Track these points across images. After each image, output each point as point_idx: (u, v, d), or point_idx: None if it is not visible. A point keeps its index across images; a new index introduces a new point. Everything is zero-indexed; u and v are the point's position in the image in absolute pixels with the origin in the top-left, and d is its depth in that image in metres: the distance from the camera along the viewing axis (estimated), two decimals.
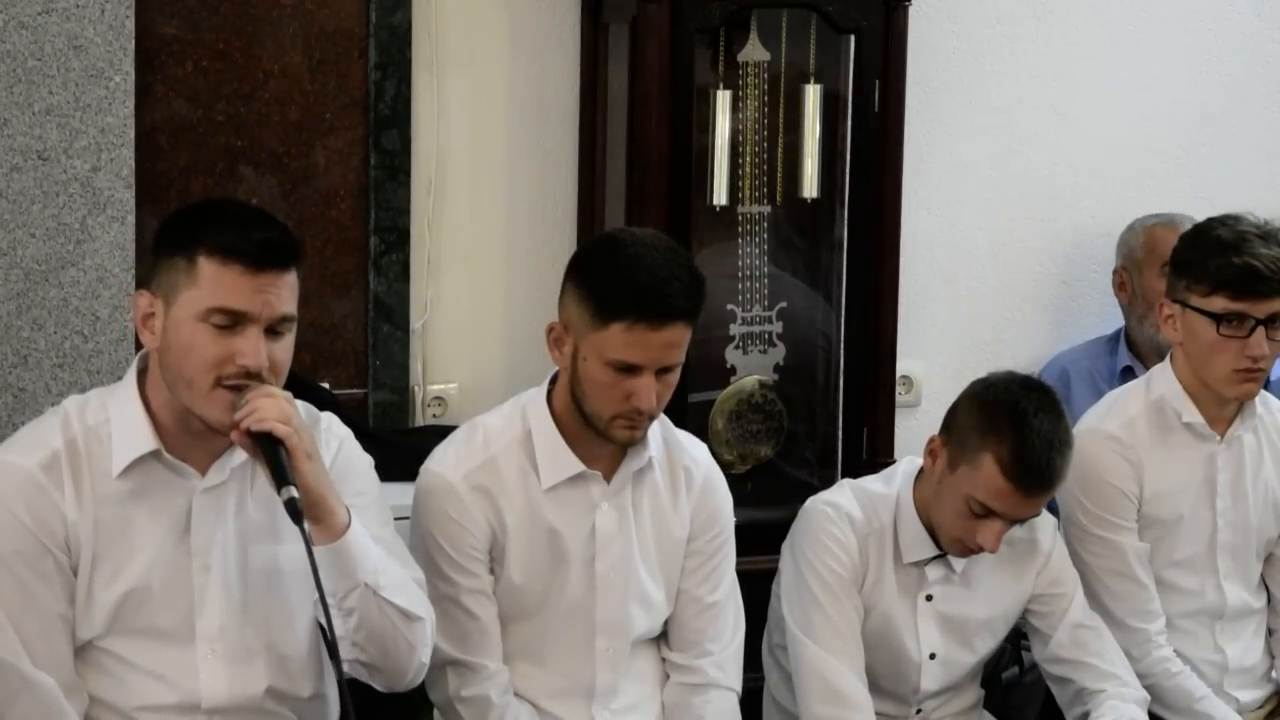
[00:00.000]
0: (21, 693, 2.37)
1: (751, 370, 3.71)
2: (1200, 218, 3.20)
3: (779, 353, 3.73)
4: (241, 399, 2.34)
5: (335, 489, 2.41)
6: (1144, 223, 3.95)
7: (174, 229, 2.42)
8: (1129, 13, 4.13)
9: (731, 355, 3.69)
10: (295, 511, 2.30)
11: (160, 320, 2.38)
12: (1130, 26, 4.13)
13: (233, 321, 2.34)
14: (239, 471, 2.46)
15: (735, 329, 3.68)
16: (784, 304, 3.72)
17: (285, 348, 2.41)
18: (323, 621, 2.40)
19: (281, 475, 2.32)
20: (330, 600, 2.38)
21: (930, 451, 2.92)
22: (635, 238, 2.74)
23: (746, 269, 3.69)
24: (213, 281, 2.34)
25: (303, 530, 2.31)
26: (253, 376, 2.35)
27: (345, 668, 2.49)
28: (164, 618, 2.44)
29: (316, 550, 2.35)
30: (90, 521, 2.41)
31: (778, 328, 3.72)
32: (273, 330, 2.37)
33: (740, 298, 3.68)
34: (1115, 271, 3.99)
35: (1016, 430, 2.79)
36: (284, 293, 2.38)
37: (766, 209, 3.70)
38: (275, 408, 2.33)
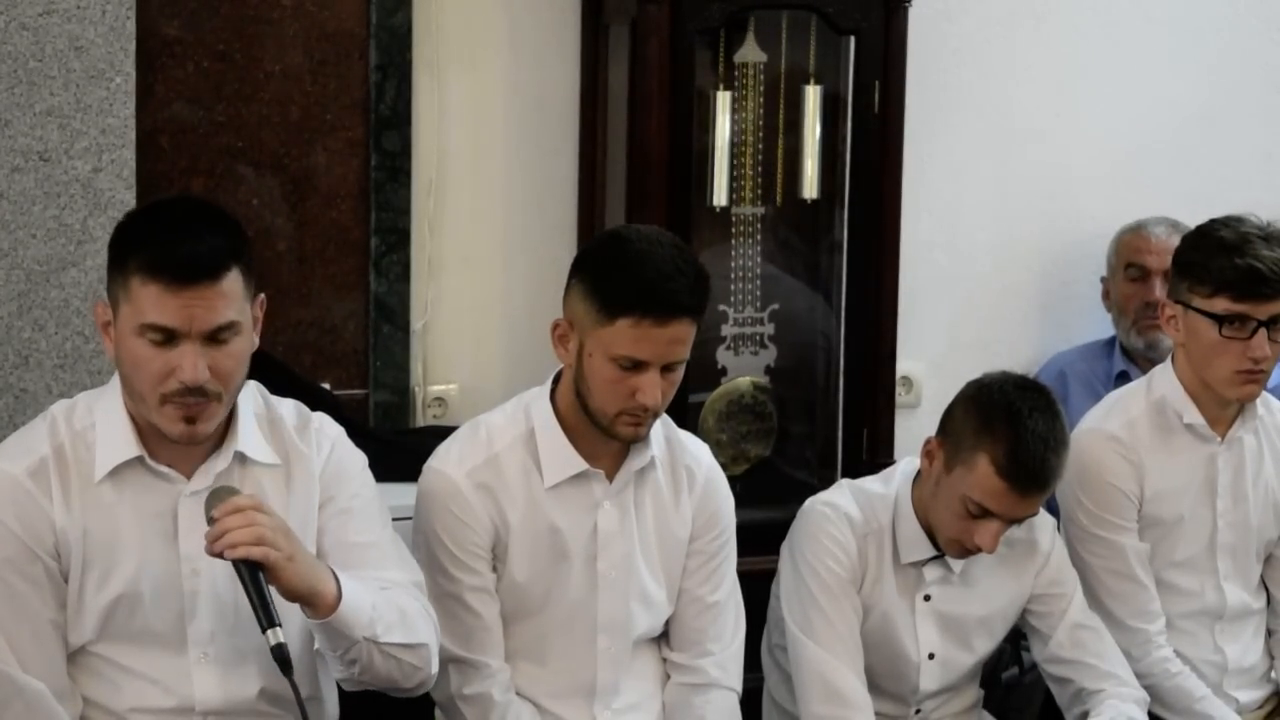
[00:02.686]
0: (13, 698, 2.37)
1: (742, 371, 3.71)
2: (1198, 219, 3.20)
3: (770, 354, 3.73)
4: (210, 511, 2.31)
5: (322, 568, 2.39)
6: (1121, 231, 3.97)
7: (113, 243, 2.41)
8: (1129, 13, 4.13)
9: (723, 356, 3.70)
10: (283, 660, 2.28)
11: (114, 330, 2.39)
12: (1130, 27, 4.13)
13: (167, 337, 2.33)
14: (224, 477, 2.45)
15: (726, 329, 3.69)
16: (776, 305, 3.72)
17: (230, 354, 2.37)
18: (317, 647, 2.43)
19: (266, 615, 2.29)
20: (331, 655, 2.41)
21: (927, 453, 2.92)
22: (641, 234, 2.75)
23: (744, 269, 3.69)
24: (140, 298, 2.33)
25: (291, 680, 2.30)
26: (194, 391, 2.33)
27: (353, 685, 2.51)
28: (155, 622, 2.44)
29: (311, 623, 2.38)
30: (79, 527, 2.41)
31: (769, 329, 3.73)
32: (213, 339, 2.35)
33: (735, 298, 3.68)
34: (1101, 280, 4.01)
35: (1011, 430, 2.79)
36: (216, 303, 2.34)
37: (765, 210, 3.70)
38: (246, 529, 2.29)
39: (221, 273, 2.35)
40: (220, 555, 2.30)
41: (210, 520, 2.31)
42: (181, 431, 2.36)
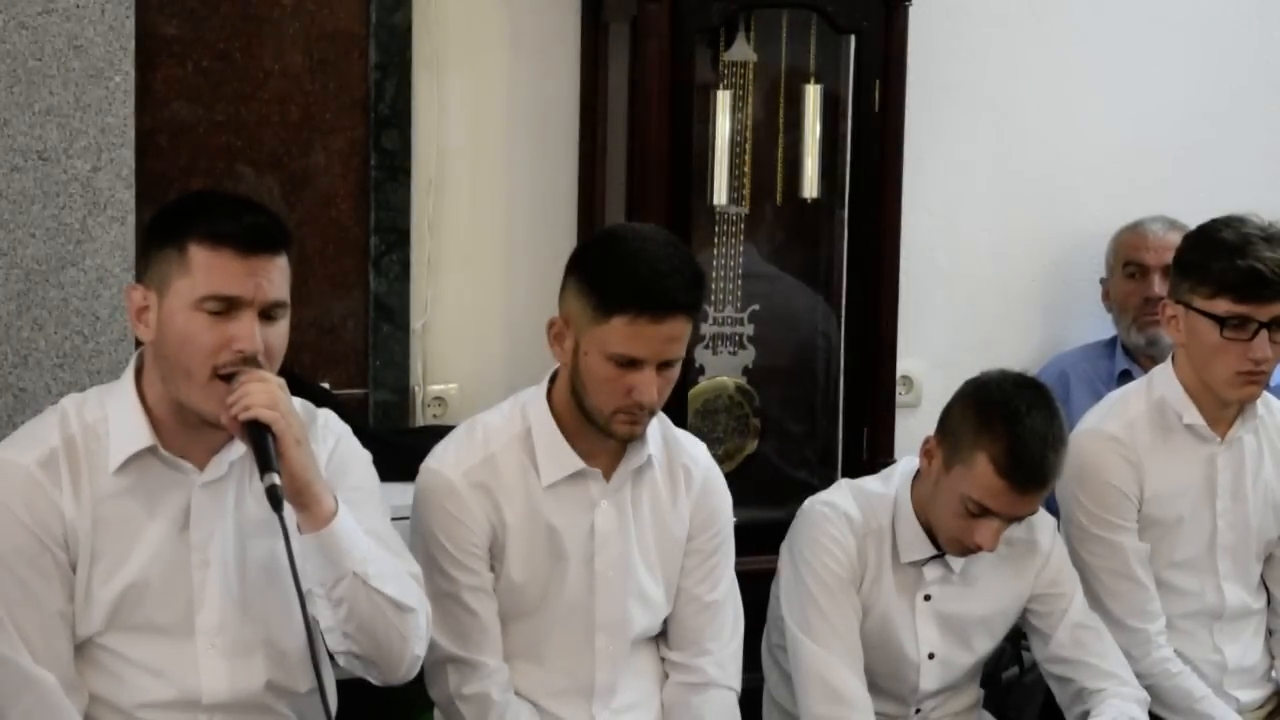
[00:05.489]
0: (23, 690, 2.38)
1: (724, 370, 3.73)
2: (1198, 219, 3.20)
3: (748, 354, 3.75)
4: (234, 384, 2.35)
5: (323, 477, 2.41)
6: (1118, 231, 3.99)
7: (164, 221, 2.43)
8: (1129, 13, 4.13)
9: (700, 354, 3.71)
10: (275, 499, 2.30)
11: (154, 313, 2.39)
12: (1130, 26, 4.13)
13: (227, 307, 2.35)
14: (237, 466, 2.46)
15: (707, 329, 3.70)
16: (756, 306, 3.72)
17: (279, 333, 2.41)
18: (314, 613, 2.40)
19: (265, 462, 2.32)
20: (320, 590, 2.39)
21: (926, 452, 2.92)
22: (636, 232, 2.75)
23: (744, 269, 3.69)
24: (205, 268, 2.35)
25: (280, 519, 2.31)
26: (249, 362, 2.36)
27: (340, 661, 2.50)
28: (163, 613, 2.45)
29: (303, 538, 2.36)
30: (88, 518, 2.41)
31: (749, 329, 3.73)
32: (266, 315, 2.38)
33: (728, 296, 3.69)
34: (1100, 282, 4.01)
35: (1010, 428, 2.79)
36: (275, 277, 2.39)
37: (765, 209, 3.70)
38: (264, 393, 2.33)
39: (282, 247, 2.41)
40: (235, 420, 2.33)
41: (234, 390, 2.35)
42: (224, 410, 2.35)
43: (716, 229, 3.67)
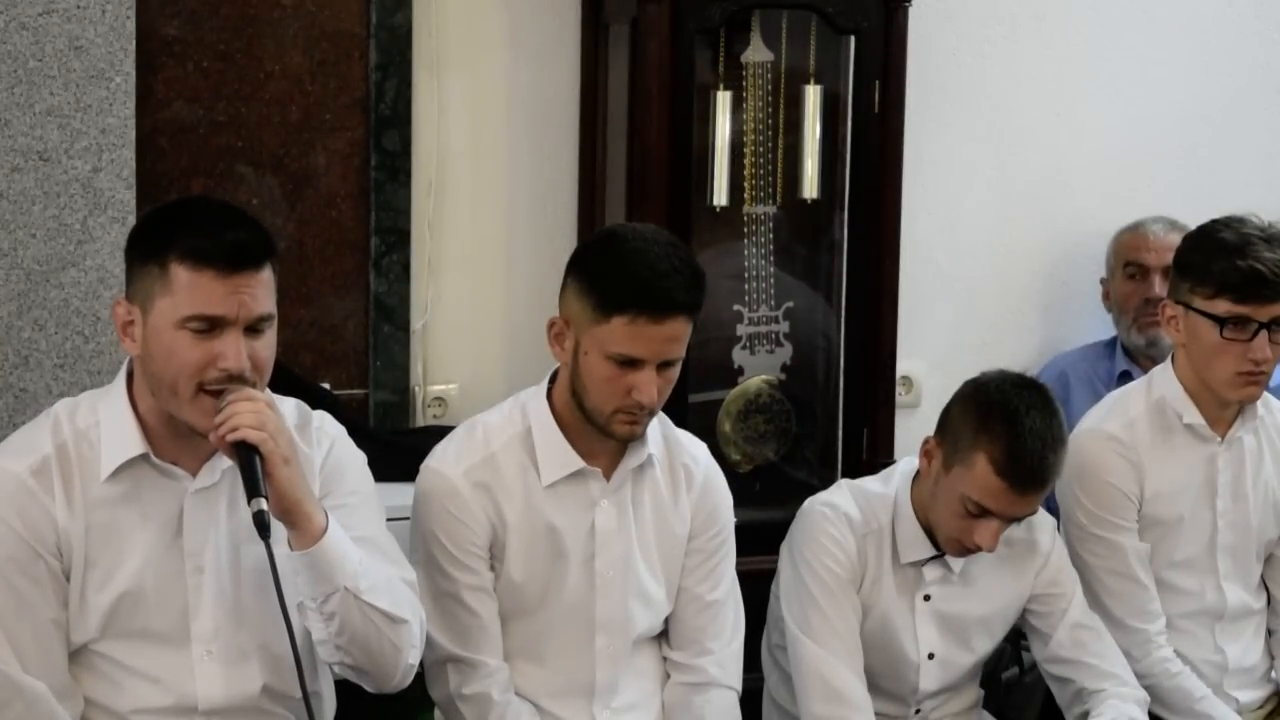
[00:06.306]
0: (13, 699, 2.37)
1: (759, 370, 3.71)
2: (1198, 219, 3.20)
3: (785, 352, 3.73)
4: (221, 403, 2.34)
5: (313, 493, 2.41)
6: (1119, 231, 3.99)
7: (144, 236, 2.41)
8: (1129, 13, 4.13)
9: (739, 355, 3.70)
10: (261, 525, 2.30)
11: (139, 328, 2.38)
12: (1130, 27, 4.14)
13: (211, 326, 2.34)
14: (230, 473, 2.45)
15: (741, 329, 3.69)
16: (790, 304, 3.72)
17: (267, 344, 2.40)
18: (306, 625, 2.41)
19: (253, 486, 2.31)
20: (311, 604, 2.39)
21: (925, 452, 2.92)
22: (636, 232, 2.75)
23: (748, 269, 3.69)
24: (187, 288, 2.34)
25: (267, 544, 2.31)
26: (235, 379, 2.35)
27: (335, 671, 2.50)
28: (158, 620, 2.45)
29: (294, 556, 2.36)
30: (82, 526, 2.41)
31: (784, 327, 3.73)
32: (252, 329, 2.37)
33: (745, 298, 3.68)
34: (1100, 282, 4.01)
35: (1009, 429, 2.79)
36: (259, 291, 2.37)
37: (769, 209, 3.70)
38: (251, 414, 2.32)
39: (265, 261, 2.39)
40: (223, 440, 2.32)
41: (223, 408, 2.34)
42: (212, 424, 2.35)
43: (746, 229, 3.66)
